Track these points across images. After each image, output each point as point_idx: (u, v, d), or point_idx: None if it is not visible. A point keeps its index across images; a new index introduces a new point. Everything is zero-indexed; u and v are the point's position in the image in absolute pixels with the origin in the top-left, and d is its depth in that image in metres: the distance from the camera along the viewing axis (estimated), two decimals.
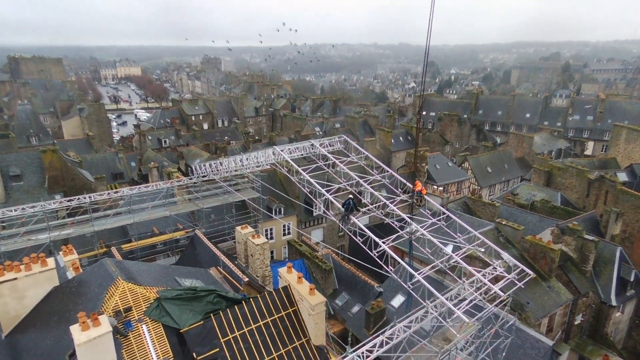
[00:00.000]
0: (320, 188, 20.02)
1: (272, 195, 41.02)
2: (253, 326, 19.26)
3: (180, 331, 17.92)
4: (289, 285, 21.08)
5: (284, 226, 41.31)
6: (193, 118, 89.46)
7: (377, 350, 14.19)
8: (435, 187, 48.80)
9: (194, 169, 33.12)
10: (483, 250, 20.23)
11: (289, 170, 22.22)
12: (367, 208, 20.02)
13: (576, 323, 31.43)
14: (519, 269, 18.14)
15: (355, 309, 30.22)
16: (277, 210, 40.32)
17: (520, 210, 37.62)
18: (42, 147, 43.37)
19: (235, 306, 19.59)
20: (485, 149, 63.25)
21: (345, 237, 45.48)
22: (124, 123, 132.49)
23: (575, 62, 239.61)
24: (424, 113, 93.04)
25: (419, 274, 16.38)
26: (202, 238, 31.01)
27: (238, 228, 29.82)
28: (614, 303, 30.52)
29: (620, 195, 37.94)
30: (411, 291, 16.81)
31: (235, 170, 32.23)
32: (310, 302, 19.49)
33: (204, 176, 32.26)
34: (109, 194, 28.61)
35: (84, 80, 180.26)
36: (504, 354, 18.78)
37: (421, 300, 16.30)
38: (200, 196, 33.01)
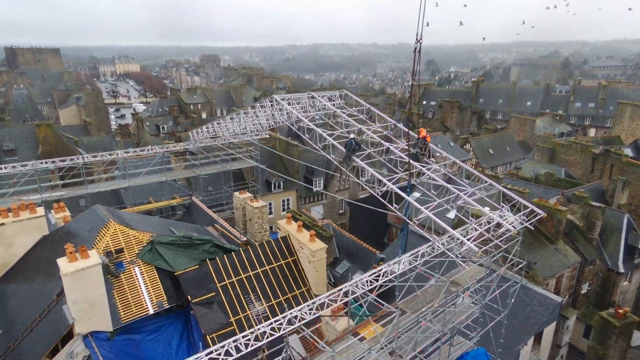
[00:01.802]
0: (321, 132, 19.26)
1: (272, 169, 40.25)
2: (251, 273, 18.50)
3: (175, 274, 17.16)
4: (288, 235, 20.35)
5: (283, 201, 40.54)
6: (192, 107, 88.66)
7: (381, 280, 13.41)
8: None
9: (190, 135, 32.34)
10: (487, 210, 19.52)
11: (288, 118, 21.44)
12: (369, 152, 19.24)
13: (582, 292, 30.67)
14: (528, 210, 17.42)
15: (357, 276, 29.34)
16: (276, 184, 39.55)
17: (524, 182, 36.87)
18: (37, 122, 42.55)
19: (233, 253, 18.84)
20: (487, 131, 62.51)
21: (345, 215, 44.71)
22: (123, 116, 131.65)
23: (575, 59, 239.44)
24: (424, 103, 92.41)
25: (425, 208, 15.62)
26: (199, 204, 30.24)
27: (236, 194, 29.15)
28: (621, 270, 29.79)
29: (627, 168, 37.21)
30: (416, 228, 16.06)
31: (234, 137, 31.50)
32: (311, 247, 18.80)
33: (204, 139, 31.38)
34: (102, 155, 27.81)
35: (82, 77, 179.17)
36: (512, 300, 18.01)
37: (427, 236, 15.54)
38: (199, 163, 32.23)
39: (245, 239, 24.60)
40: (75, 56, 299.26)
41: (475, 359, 15.69)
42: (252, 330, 10.92)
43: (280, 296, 18.42)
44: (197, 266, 17.60)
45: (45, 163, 26.01)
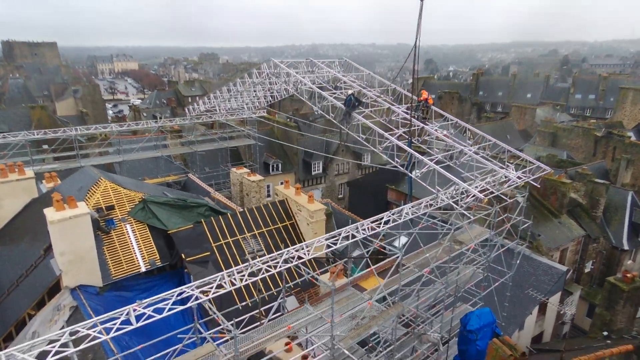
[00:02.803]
0: (320, 90, 18.68)
1: (270, 152, 39.69)
2: (247, 234, 17.93)
3: (168, 232, 16.55)
4: (286, 199, 19.80)
5: (281, 183, 39.90)
6: (189, 99, 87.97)
7: (382, 227, 12.80)
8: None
9: (186, 110, 31.76)
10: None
11: (286, 79, 20.85)
12: (369, 110, 18.66)
13: (586, 271, 30.11)
14: (534, 166, 16.90)
15: (356, 252, 28.80)
16: (275, 166, 38.94)
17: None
18: (31, 105, 41.90)
19: (229, 214, 18.27)
20: (487, 120, 62.01)
21: (344, 200, 44.10)
22: (120, 111, 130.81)
23: (574, 58, 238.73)
24: None
25: (429, 160, 15.06)
26: (195, 181, 29.66)
27: (233, 169, 28.67)
28: (625, 247, 29.25)
29: (630, 149, 36.68)
30: (419, 181, 15.49)
31: (231, 114, 30.98)
32: (309, 208, 18.25)
33: (200, 115, 30.83)
34: (96, 128, 27.20)
35: (80, 74, 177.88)
36: (517, 261, 17.44)
37: (430, 188, 14.95)
38: (195, 140, 31.65)
39: (242, 210, 24.03)
40: (74, 56, 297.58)
41: (480, 317, 15.04)
42: (247, 265, 10.32)
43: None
44: (192, 225, 17.02)
45: (37, 134, 25.42)
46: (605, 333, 18.64)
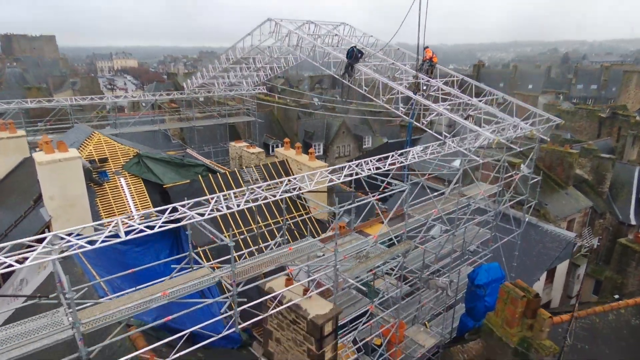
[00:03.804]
0: (320, 45, 18.09)
1: (269, 132, 39.09)
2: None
3: (164, 187, 15.95)
4: (286, 159, 19.22)
5: None
6: None
7: (386, 167, 12.20)
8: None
9: (184, 85, 31.18)
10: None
11: (287, 40, 20.25)
12: (372, 64, 18.08)
13: (593, 248, 29.48)
14: (544, 117, 16.33)
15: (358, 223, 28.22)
16: (274, 147, 38.29)
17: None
18: (27, 86, 41.31)
19: (227, 172, 17.67)
20: None
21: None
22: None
23: (574, 56, 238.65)
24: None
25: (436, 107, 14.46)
26: (194, 155, 29.06)
27: (232, 143, 28.11)
28: (633, 222, 28.65)
29: (635, 128, 36.12)
30: (425, 128, 14.91)
31: (230, 89, 30.42)
32: (311, 165, 17.66)
33: (199, 88, 30.29)
34: (92, 98, 26.62)
35: (79, 70, 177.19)
36: (527, 219, 16.85)
37: (437, 136, 14.37)
38: (193, 116, 31.07)
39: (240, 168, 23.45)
40: (73, 55, 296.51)
41: (488, 272, 14.44)
42: (245, 188, 9.72)
43: (278, 216, 17.21)
44: (189, 181, 16.42)
45: (31, 102, 24.81)
46: (616, 296, 18.00)
